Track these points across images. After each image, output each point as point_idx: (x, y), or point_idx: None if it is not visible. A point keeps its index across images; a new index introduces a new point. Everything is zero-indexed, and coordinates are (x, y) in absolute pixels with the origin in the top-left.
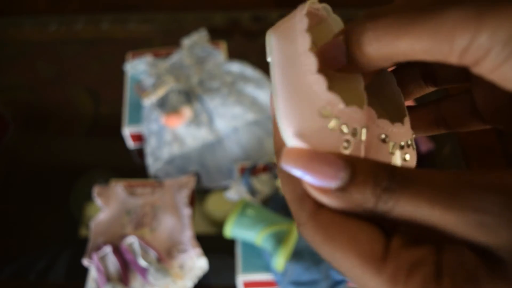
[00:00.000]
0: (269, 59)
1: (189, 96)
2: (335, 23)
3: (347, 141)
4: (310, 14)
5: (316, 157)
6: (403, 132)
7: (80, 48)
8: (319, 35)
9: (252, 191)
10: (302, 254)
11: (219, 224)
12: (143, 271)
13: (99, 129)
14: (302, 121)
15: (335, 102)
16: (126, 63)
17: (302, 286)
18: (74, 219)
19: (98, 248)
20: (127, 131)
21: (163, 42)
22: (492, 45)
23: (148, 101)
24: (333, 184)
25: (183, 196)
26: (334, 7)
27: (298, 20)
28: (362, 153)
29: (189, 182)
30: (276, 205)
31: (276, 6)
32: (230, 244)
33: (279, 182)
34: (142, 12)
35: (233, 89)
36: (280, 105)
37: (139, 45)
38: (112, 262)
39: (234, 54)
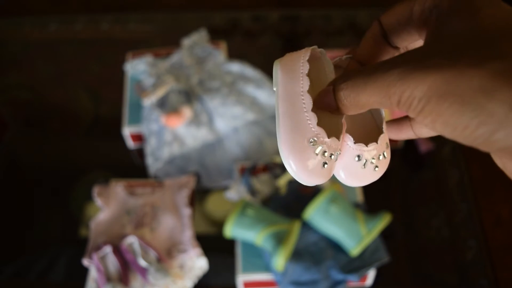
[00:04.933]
0: (274, 89)
1: (189, 96)
2: (327, 63)
3: (325, 163)
4: (310, 55)
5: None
6: (373, 149)
7: (80, 48)
8: (314, 70)
9: (252, 191)
10: (302, 254)
11: (219, 224)
12: (143, 271)
13: (99, 129)
14: (296, 146)
15: (322, 135)
16: (126, 63)
17: (302, 286)
18: (74, 219)
19: (98, 248)
20: (127, 131)
21: (163, 42)
22: (411, 101)
23: (148, 101)
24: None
25: (183, 196)
26: (337, 7)
27: (302, 64)
28: (330, 175)
29: (189, 182)
30: (276, 205)
31: (276, 6)
32: (230, 244)
33: (279, 182)
34: (142, 12)
35: (233, 89)
36: (281, 133)
37: (139, 45)
38: (112, 262)
39: (234, 54)
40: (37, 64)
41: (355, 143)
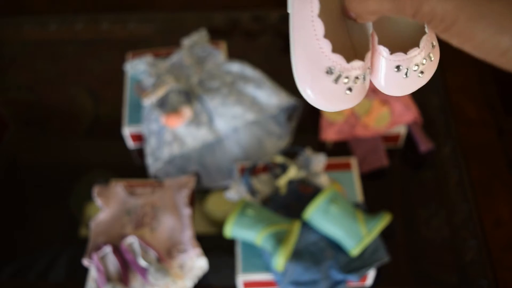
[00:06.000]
0: (289, 11)
1: (189, 96)
2: None
3: (349, 88)
4: None
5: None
6: (415, 55)
7: (80, 48)
8: None
9: (252, 191)
10: (302, 254)
11: (219, 224)
12: (143, 271)
13: (99, 129)
14: (314, 79)
15: (339, 61)
16: (126, 63)
17: (302, 286)
18: (74, 219)
19: (98, 248)
20: (127, 131)
21: (163, 42)
22: (431, 17)
23: (148, 101)
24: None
25: (183, 196)
26: None
27: None
28: (365, 92)
29: (189, 182)
30: (276, 205)
31: (276, 6)
32: (230, 244)
33: (279, 182)
34: (142, 12)
35: (233, 89)
36: (297, 63)
37: (139, 45)
38: (112, 262)
39: (234, 54)
40: (37, 64)
41: (391, 53)
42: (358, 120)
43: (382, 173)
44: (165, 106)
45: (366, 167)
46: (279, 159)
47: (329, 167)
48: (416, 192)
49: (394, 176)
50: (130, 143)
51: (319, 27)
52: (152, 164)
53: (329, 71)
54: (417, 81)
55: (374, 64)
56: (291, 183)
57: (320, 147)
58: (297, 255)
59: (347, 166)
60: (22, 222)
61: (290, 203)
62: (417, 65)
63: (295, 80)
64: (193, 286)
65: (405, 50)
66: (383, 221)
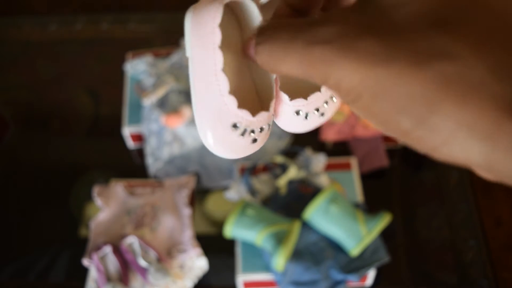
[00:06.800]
0: (188, 55)
1: (189, 96)
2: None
3: (254, 139)
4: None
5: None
6: (315, 99)
7: (80, 48)
8: (233, 18)
9: (252, 191)
10: (302, 254)
11: (219, 224)
12: (143, 271)
13: (99, 129)
14: (217, 133)
15: (245, 116)
16: (126, 63)
17: (302, 286)
18: (74, 219)
19: (98, 248)
20: (127, 131)
21: (163, 42)
22: (338, 89)
23: (148, 101)
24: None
25: (183, 196)
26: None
27: (213, 21)
28: (268, 136)
29: (189, 182)
30: (276, 205)
31: None
32: (230, 244)
33: (279, 182)
34: (142, 12)
35: None
36: (199, 116)
37: (139, 45)
38: (112, 262)
39: None
40: (37, 64)
41: (291, 100)
42: (358, 120)
43: (382, 173)
44: (165, 106)
45: (366, 167)
46: (279, 159)
47: (329, 167)
48: (416, 192)
49: (394, 176)
50: (130, 143)
51: (223, 82)
52: (152, 164)
53: (235, 126)
54: (318, 121)
55: (276, 108)
56: (291, 183)
57: (320, 147)
58: (297, 255)
59: (347, 166)
60: (22, 222)
61: (290, 203)
62: (318, 109)
63: (201, 136)
64: (193, 286)
65: (307, 93)
66: (383, 221)
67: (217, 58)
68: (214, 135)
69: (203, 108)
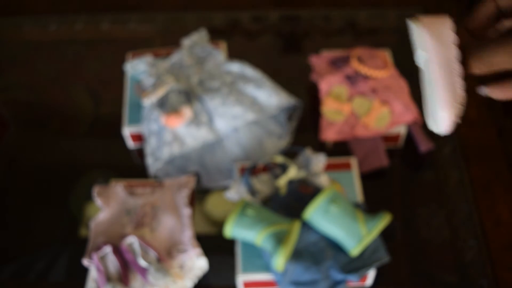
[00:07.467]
0: (420, 52)
1: (189, 96)
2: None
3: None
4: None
5: None
6: None
7: (80, 48)
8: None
9: (252, 191)
10: (302, 254)
11: (219, 224)
12: (143, 271)
13: (99, 129)
14: (453, 110)
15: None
16: (126, 63)
17: (302, 286)
18: (74, 219)
19: (98, 248)
20: (127, 131)
21: (163, 42)
22: None
23: (148, 101)
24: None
25: (183, 196)
26: (337, 7)
27: (448, 33)
28: None
29: (189, 182)
30: (276, 205)
31: (275, 6)
32: (230, 244)
33: (279, 182)
34: (142, 12)
35: (233, 89)
36: (439, 96)
37: (139, 45)
38: (112, 262)
39: (234, 54)
40: (37, 64)
41: None
42: (358, 120)
43: (382, 173)
44: (165, 106)
45: (366, 167)
46: (279, 159)
47: (329, 167)
48: (416, 192)
49: (394, 176)
50: (130, 143)
51: (459, 69)
52: (152, 164)
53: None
54: None
55: None
56: (291, 183)
57: (320, 147)
58: (297, 255)
59: (347, 166)
60: (22, 222)
61: (290, 203)
62: None
63: (434, 112)
64: (193, 286)
65: None
66: (383, 221)
67: (455, 51)
68: (450, 108)
69: (444, 86)
